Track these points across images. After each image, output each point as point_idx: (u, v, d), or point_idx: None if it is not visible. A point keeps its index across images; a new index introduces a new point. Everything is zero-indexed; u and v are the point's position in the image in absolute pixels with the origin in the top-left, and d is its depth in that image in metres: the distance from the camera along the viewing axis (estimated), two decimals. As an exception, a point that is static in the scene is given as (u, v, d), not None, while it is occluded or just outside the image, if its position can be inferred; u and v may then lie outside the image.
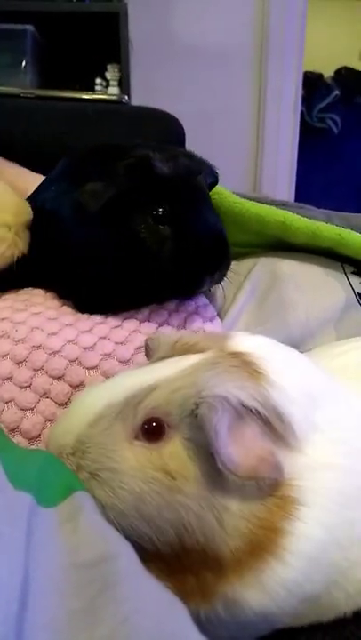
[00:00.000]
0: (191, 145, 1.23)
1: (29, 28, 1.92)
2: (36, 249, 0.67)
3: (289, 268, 0.71)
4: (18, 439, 0.53)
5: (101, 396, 0.42)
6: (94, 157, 0.62)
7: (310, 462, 0.39)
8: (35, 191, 0.70)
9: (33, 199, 0.69)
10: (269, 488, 0.37)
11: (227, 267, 0.61)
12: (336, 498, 0.38)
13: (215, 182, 0.68)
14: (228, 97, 2.40)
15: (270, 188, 2.45)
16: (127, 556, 0.34)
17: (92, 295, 0.63)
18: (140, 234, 0.58)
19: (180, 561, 0.37)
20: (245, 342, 0.45)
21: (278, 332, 0.66)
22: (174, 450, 0.38)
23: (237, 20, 2.30)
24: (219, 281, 0.62)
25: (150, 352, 0.50)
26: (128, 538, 0.36)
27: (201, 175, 0.61)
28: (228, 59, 2.34)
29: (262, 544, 0.36)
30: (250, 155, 2.54)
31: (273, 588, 0.37)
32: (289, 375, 0.42)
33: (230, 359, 0.42)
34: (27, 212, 0.65)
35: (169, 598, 0.32)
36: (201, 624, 0.35)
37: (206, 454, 0.37)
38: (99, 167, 0.59)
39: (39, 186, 0.69)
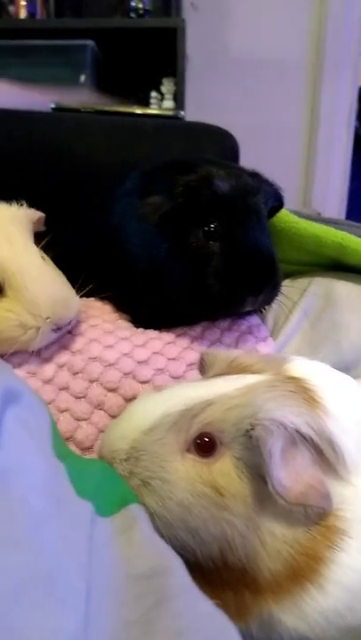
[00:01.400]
0: (242, 158, 1.24)
1: (90, 43, 1.98)
2: (99, 262, 0.69)
3: (344, 289, 0.70)
4: (71, 449, 0.54)
5: (158, 405, 0.43)
6: (160, 173, 0.64)
7: (359, 494, 0.39)
8: (103, 203, 0.72)
9: (101, 211, 0.71)
10: (316, 516, 0.37)
11: (273, 289, 0.61)
12: None
13: (280, 205, 0.68)
14: (281, 111, 2.40)
15: (321, 203, 2.43)
16: (180, 570, 0.34)
17: (148, 309, 0.65)
18: (190, 248, 0.59)
19: (220, 576, 0.38)
20: (302, 368, 0.45)
21: (331, 354, 0.65)
22: (224, 467, 0.39)
23: (293, 34, 2.30)
24: (265, 303, 0.61)
25: (205, 367, 0.50)
26: (172, 548, 0.37)
27: (259, 195, 0.61)
28: (283, 73, 2.34)
29: (303, 571, 0.37)
30: (301, 169, 2.52)
31: (311, 615, 0.37)
32: (344, 404, 0.42)
33: (287, 384, 0.42)
34: (68, 312, 0.57)
35: (221, 616, 0.33)
36: None
37: (255, 475, 0.38)
38: (162, 183, 0.61)
39: (108, 199, 0.71)
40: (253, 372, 0.45)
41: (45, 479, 0.33)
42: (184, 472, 0.39)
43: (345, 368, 0.64)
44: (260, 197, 0.61)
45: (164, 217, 0.58)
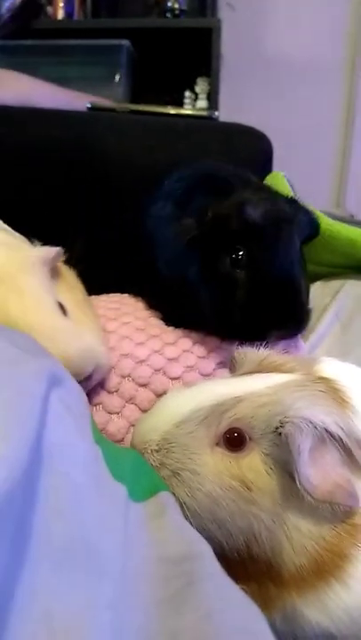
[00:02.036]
0: (276, 159, 1.23)
1: (125, 43, 2.00)
2: (131, 262, 0.70)
3: (376, 292, 0.70)
4: (103, 441, 0.56)
5: (189, 399, 0.44)
6: (199, 191, 0.64)
7: None
8: (138, 205, 0.73)
9: (136, 212, 0.72)
10: (343, 514, 0.38)
11: (299, 324, 0.59)
12: None
13: (316, 234, 0.66)
14: (316, 111, 2.38)
15: (355, 205, 2.40)
16: (210, 557, 0.36)
17: (177, 311, 0.66)
18: (218, 273, 0.59)
19: (245, 567, 0.39)
20: (333, 369, 0.46)
21: (362, 357, 0.65)
22: (253, 462, 0.40)
23: (329, 34, 2.28)
24: (293, 333, 0.59)
25: (235, 366, 0.51)
26: None
27: (293, 224, 0.60)
28: (319, 73, 2.32)
29: (327, 567, 0.37)
30: (335, 170, 2.49)
31: (335, 611, 0.37)
32: None
33: (318, 384, 0.43)
34: (84, 368, 0.51)
35: (248, 600, 0.34)
36: None
37: (283, 472, 0.39)
38: (197, 203, 0.62)
39: (144, 201, 0.72)
40: (284, 372, 0.46)
41: (86, 459, 0.34)
42: (213, 465, 0.40)
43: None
44: (293, 226, 0.60)
45: (192, 241, 0.59)
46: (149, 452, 0.42)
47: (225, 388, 0.44)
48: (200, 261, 0.60)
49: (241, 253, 0.58)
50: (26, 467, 0.28)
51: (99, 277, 0.76)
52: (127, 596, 0.30)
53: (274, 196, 0.63)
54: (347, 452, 0.39)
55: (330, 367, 0.46)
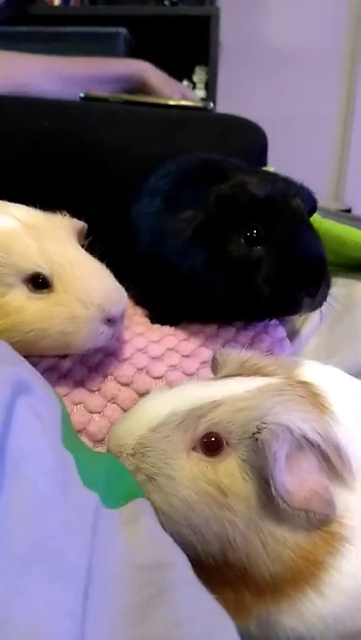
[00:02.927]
0: (274, 149, 1.22)
1: (122, 30, 1.97)
2: (118, 258, 0.69)
3: (365, 292, 0.69)
4: (84, 441, 0.55)
5: (166, 402, 0.43)
6: (191, 184, 0.63)
7: None
8: (125, 200, 0.72)
9: (124, 208, 0.71)
10: (319, 522, 0.37)
11: (326, 289, 0.59)
12: None
13: (314, 208, 0.66)
14: (315, 102, 2.36)
15: (353, 198, 2.38)
16: (183, 565, 0.36)
17: (165, 307, 0.65)
18: (230, 256, 0.58)
19: (221, 573, 0.38)
20: (314, 373, 0.45)
21: (348, 358, 0.64)
22: (229, 468, 0.39)
23: (330, 24, 2.25)
24: (319, 304, 0.59)
25: (217, 367, 0.50)
26: (175, 543, 0.37)
27: (297, 197, 0.60)
28: (319, 63, 2.30)
29: (303, 574, 0.37)
30: (334, 162, 2.47)
31: (310, 618, 0.37)
32: (354, 411, 0.42)
33: (297, 388, 0.42)
34: (120, 300, 0.55)
35: (219, 610, 0.34)
36: None
37: (260, 478, 0.38)
38: (193, 194, 0.61)
39: (132, 196, 0.71)
40: (265, 375, 0.45)
41: (53, 466, 0.34)
42: (189, 470, 0.40)
43: (362, 372, 0.64)
44: (298, 199, 0.60)
45: (197, 229, 0.58)
46: (125, 456, 0.42)
47: (203, 391, 0.43)
48: (208, 249, 0.59)
49: (256, 230, 0.57)
50: None
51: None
52: (94, 602, 0.30)
53: (270, 175, 0.62)
54: (325, 458, 0.39)
55: (311, 371, 0.45)
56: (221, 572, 0.39)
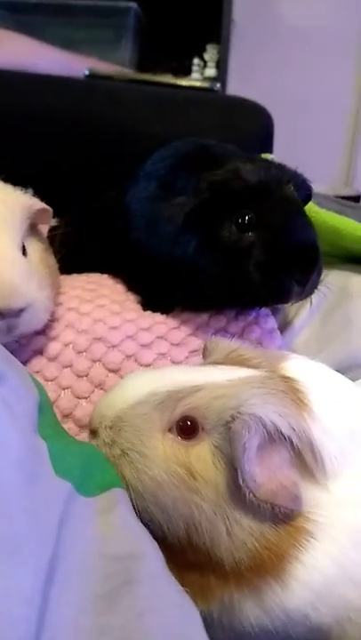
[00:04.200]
0: (285, 130, 1.20)
1: (133, 5, 1.93)
2: (111, 243, 0.69)
3: (360, 284, 0.68)
4: (69, 425, 0.56)
5: (148, 382, 0.44)
6: (185, 170, 0.62)
7: (333, 500, 0.39)
8: (122, 183, 0.71)
9: (121, 191, 0.70)
10: (284, 516, 0.38)
11: (318, 278, 0.58)
12: (354, 537, 0.38)
13: (309, 196, 0.65)
14: (328, 83, 2.30)
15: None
16: (153, 557, 0.36)
17: (160, 294, 0.65)
18: (222, 242, 0.57)
19: (185, 555, 0.39)
20: (299, 368, 0.45)
21: (339, 350, 0.64)
22: (202, 453, 0.40)
23: (345, 3, 2.18)
24: (309, 293, 0.58)
25: (207, 354, 0.50)
26: (142, 520, 0.39)
27: (290, 184, 0.59)
28: (333, 43, 2.24)
29: (266, 565, 0.38)
30: (345, 145, 2.43)
31: (272, 608, 0.38)
32: (335, 409, 0.42)
33: (278, 383, 0.42)
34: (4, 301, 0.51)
35: (184, 602, 0.35)
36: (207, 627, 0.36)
37: (231, 466, 0.39)
38: (186, 181, 0.60)
39: (129, 180, 0.70)
40: (250, 366, 0.45)
41: (21, 456, 0.35)
42: (162, 450, 0.41)
43: (354, 364, 0.63)
44: (291, 186, 0.60)
45: (189, 215, 0.57)
46: (103, 427, 0.43)
47: (186, 375, 0.44)
48: (200, 236, 0.59)
49: (248, 217, 0.57)
50: None
51: (83, 254, 0.76)
52: (58, 590, 0.31)
53: (264, 162, 0.62)
54: (297, 454, 0.39)
55: (296, 366, 0.45)
56: (185, 553, 0.39)
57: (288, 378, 0.43)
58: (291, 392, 0.41)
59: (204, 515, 0.38)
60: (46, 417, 0.42)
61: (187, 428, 0.41)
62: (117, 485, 0.41)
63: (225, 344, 0.49)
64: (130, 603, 0.32)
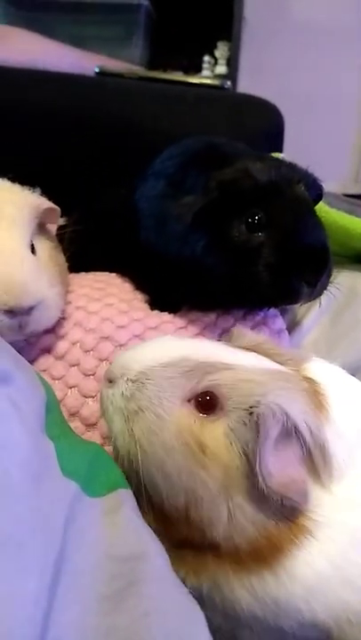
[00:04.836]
0: (295, 127, 1.18)
1: (144, 2, 1.93)
2: (120, 241, 0.69)
3: (370, 284, 0.68)
4: (76, 424, 0.56)
5: (182, 347, 0.44)
6: (194, 168, 0.62)
7: (335, 501, 0.39)
8: (130, 181, 0.71)
9: (129, 189, 0.70)
10: (289, 510, 0.38)
11: (327, 279, 0.57)
12: (355, 539, 0.38)
13: (320, 196, 0.65)
14: (340, 80, 2.29)
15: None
16: (158, 557, 0.36)
17: (168, 293, 0.64)
18: (231, 242, 0.57)
19: (180, 528, 0.39)
20: (320, 371, 0.45)
21: (348, 350, 0.63)
22: (216, 431, 0.40)
23: (357, 0, 2.16)
24: (319, 294, 0.58)
25: (232, 338, 0.50)
26: (141, 482, 0.39)
27: (301, 184, 0.59)
28: (345, 41, 2.22)
29: (263, 555, 0.38)
30: (355, 142, 2.41)
31: (262, 597, 0.38)
32: (349, 414, 0.42)
33: (303, 382, 0.43)
34: (15, 299, 0.52)
35: (189, 603, 0.35)
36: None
37: (242, 451, 0.38)
38: (195, 179, 0.60)
39: (137, 178, 0.70)
40: (276, 361, 0.46)
41: (29, 456, 0.35)
42: (178, 417, 0.40)
43: (362, 366, 0.63)
44: (302, 185, 0.59)
45: (198, 215, 0.57)
46: (125, 379, 0.42)
47: (219, 351, 0.44)
48: (209, 235, 0.58)
49: (258, 217, 0.56)
50: None
51: (91, 252, 0.76)
52: (64, 590, 0.31)
53: (274, 161, 0.61)
54: (308, 453, 0.39)
55: (318, 369, 0.45)
56: (181, 526, 0.39)
57: (310, 379, 0.44)
58: (312, 394, 0.42)
59: (207, 492, 0.38)
60: (53, 416, 0.42)
61: (206, 403, 0.40)
62: (123, 486, 0.41)
63: (254, 334, 0.50)
64: (135, 603, 0.32)
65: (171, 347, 0.44)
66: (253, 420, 0.38)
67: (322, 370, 0.45)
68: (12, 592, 0.28)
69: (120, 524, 0.37)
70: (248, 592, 0.38)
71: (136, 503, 0.40)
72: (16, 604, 0.28)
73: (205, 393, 0.40)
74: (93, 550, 0.34)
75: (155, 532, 0.39)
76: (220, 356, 0.43)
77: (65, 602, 0.30)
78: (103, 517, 0.37)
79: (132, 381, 0.41)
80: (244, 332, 0.50)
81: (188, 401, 0.41)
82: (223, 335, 0.62)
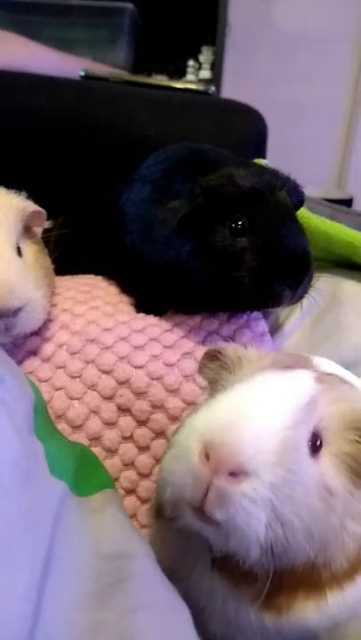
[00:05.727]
0: (279, 133, 1.20)
1: (129, 6, 1.93)
2: (105, 245, 0.70)
3: (350, 289, 0.69)
4: (62, 426, 0.56)
5: (284, 395, 0.37)
6: (180, 174, 0.63)
7: None
8: (116, 186, 0.72)
9: (116, 194, 0.71)
10: None
11: (308, 283, 0.59)
12: None
13: (301, 202, 0.66)
14: (323, 87, 2.31)
15: (356, 187, 2.36)
16: (144, 556, 0.37)
17: (153, 297, 0.65)
18: (215, 247, 0.58)
19: (283, 578, 0.35)
20: (329, 365, 0.46)
21: (329, 355, 0.64)
22: (327, 465, 0.36)
23: (341, 8, 2.20)
24: (300, 298, 0.59)
25: (230, 365, 0.45)
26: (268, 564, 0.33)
27: (283, 190, 0.60)
28: (328, 48, 2.25)
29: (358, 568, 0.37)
30: (338, 150, 2.44)
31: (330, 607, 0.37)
32: None
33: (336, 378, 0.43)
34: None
35: (175, 600, 0.35)
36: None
37: (348, 471, 0.36)
38: (181, 185, 0.61)
39: (123, 183, 0.71)
40: (288, 367, 0.42)
41: (18, 456, 0.35)
42: (312, 475, 0.35)
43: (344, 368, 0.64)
44: (284, 192, 0.60)
45: (183, 220, 0.58)
46: (265, 464, 0.33)
47: (298, 382, 0.38)
48: (194, 240, 0.60)
49: (240, 222, 0.57)
50: None
51: (77, 255, 0.76)
52: (53, 587, 0.31)
53: (258, 168, 0.63)
54: None
55: (326, 363, 0.46)
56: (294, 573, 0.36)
57: (332, 374, 0.43)
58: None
59: (333, 532, 0.35)
60: (41, 417, 0.43)
61: (315, 444, 0.36)
62: (110, 486, 0.42)
63: (254, 353, 0.45)
64: (122, 600, 0.33)
65: (278, 399, 0.36)
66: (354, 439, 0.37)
67: (329, 364, 0.46)
68: (2, 589, 0.29)
69: (107, 522, 0.38)
70: (318, 608, 0.37)
71: (122, 503, 0.41)
72: (6, 600, 0.28)
73: (313, 435, 0.36)
74: (81, 548, 0.35)
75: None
76: (303, 389, 0.38)
77: (54, 599, 0.31)
78: (91, 516, 0.38)
79: (276, 464, 0.33)
80: (239, 354, 0.44)
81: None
82: (208, 338, 0.63)
